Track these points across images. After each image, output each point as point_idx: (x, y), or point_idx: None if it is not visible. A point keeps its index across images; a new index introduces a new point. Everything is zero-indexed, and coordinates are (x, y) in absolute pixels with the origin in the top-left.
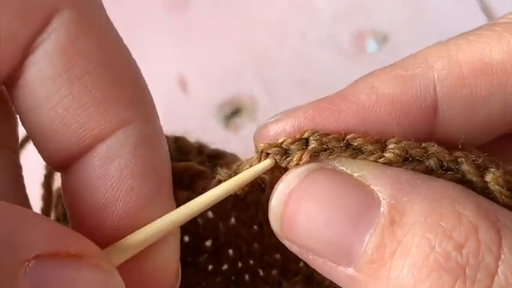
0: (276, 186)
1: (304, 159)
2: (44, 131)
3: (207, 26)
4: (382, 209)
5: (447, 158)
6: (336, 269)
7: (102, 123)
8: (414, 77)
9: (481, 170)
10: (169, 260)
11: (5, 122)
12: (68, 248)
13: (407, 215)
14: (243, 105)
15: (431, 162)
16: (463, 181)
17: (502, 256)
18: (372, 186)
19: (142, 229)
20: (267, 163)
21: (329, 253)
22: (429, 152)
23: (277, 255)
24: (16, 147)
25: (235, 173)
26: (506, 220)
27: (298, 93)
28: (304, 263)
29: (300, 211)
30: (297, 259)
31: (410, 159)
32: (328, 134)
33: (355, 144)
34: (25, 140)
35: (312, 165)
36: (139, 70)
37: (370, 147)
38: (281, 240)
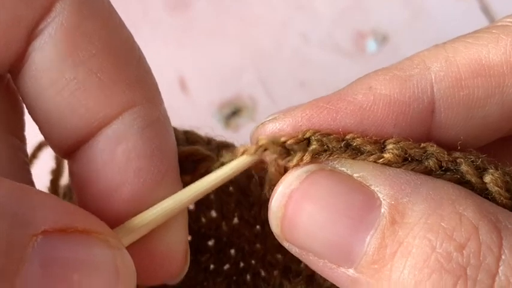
0: (275, 187)
1: (305, 161)
2: (51, 116)
3: (207, 26)
4: (382, 210)
5: (446, 159)
6: (337, 270)
7: (108, 106)
8: (411, 78)
9: (480, 171)
10: (178, 241)
11: (12, 110)
12: (75, 224)
13: (408, 216)
14: (243, 105)
15: (430, 163)
16: (462, 182)
17: (503, 256)
18: (372, 187)
19: (149, 209)
20: (268, 152)
21: (330, 254)
22: (428, 152)
23: (279, 256)
24: (23, 135)
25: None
26: (507, 221)
27: (298, 93)
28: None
29: (300, 212)
30: (299, 260)
31: (409, 159)
32: (328, 134)
33: (355, 144)
34: (38, 149)
35: (312, 166)
36: (142, 54)
37: (369, 148)
38: (281, 242)
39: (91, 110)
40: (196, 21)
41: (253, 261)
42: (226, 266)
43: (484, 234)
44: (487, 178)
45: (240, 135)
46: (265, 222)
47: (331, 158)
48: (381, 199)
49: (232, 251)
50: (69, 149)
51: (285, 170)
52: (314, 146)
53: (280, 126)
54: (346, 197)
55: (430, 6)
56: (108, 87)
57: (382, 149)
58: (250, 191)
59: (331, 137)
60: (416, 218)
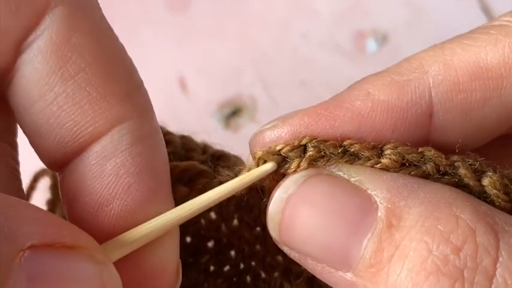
0: (273, 192)
1: (302, 167)
2: (39, 130)
3: (207, 26)
4: (379, 214)
5: (444, 163)
6: (335, 274)
7: (97, 121)
8: (409, 83)
9: (478, 174)
10: (168, 259)
11: (3, 117)
12: (63, 239)
13: (405, 219)
14: (243, 105)
15: (428, 167)
16: (460, 185)
17: (500, 258)
18: (369, 191)
19: (139, 226)
20: (268, 167)
21: (327, 258)
22: (426, 157)
23: (280, 258)
24: (14, 142)
25: (236, 176)
26: (504, 223)
27: (298, 93)
28: None
29: (298, 217)
30: None
31: (407, 164)
32: (325, 141)
33: (352, 150)
34: (35, 180)
35: (309, 171)
36: (134, 66)
37: (366, 153)
38: (279, 246)
39: (80, 125)
40: (196, 21)
41: (253, 263)
42: (227, 268)
43: (481, 237)
44: (485, 181)
45: (240, 135)
46: (265, 224)
47: (328, 163)
48: (378, 203)
49: (232, 253)
50: (59, 163)
51: (283, 176)
52: (311, 152)
53: (278, 134)
54: (343, 201)
55: (430, 6)
56: (98, 101)
57: (380, 155)
58: (249, 194)
59: (328, 143)
60: (413, 221)
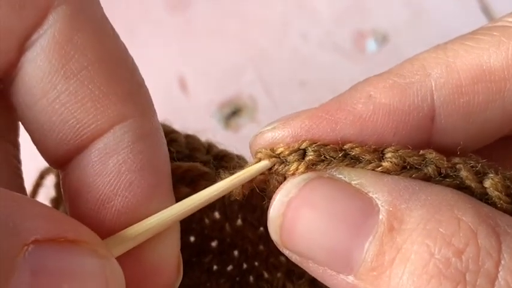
0: (274, 195)
1: (300, 170)
2: (42, 127)
3: (207, 26)
4: (380, 217)
5: (445, 165)
6: (337, 277)
7: (99, 119)
8: (411, 86)
9: (480, 176)
10: (169, 255)
11: (5, 116)
12: (66, 234)
13: (406, 222)
14: (243, 105)
15: (430, 169)
16: (462, 187)
17: (502, 261)
18: (370, 194)
19: (141, 222)
20: (263, 164)
21: (329, 261)
22: (427, 159)
23: (283, 258)
24: (16, 141)
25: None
26: (506, 225)
27: (298, 93)
28: None
29: (299, 220)
30: None
31: (408, 167)
32: (326, 145)
33: (353, 153)
34: (45, 172)
35: (310, 174)
36: (136, 65)
37: (368, 157)
38: (280, 249)
39: (82, 122)
40: (196, 21)
41: (256, 263)
42: (230, 267)
43: (483, 239)
44: (487, 183)
45: (240, 135)
46: None
47: (328, 167)
48: (379, 206)
49: (236, 253)
50: (61, 160)
51: (284, 178)
52: (310, 156)
53: (279, 136)
54: (344, 204)
55: (430, 6)
56: (100, 100)
57: (381, 158)
58: (253, 195)
59: (328, 147)
60: (415, 224)
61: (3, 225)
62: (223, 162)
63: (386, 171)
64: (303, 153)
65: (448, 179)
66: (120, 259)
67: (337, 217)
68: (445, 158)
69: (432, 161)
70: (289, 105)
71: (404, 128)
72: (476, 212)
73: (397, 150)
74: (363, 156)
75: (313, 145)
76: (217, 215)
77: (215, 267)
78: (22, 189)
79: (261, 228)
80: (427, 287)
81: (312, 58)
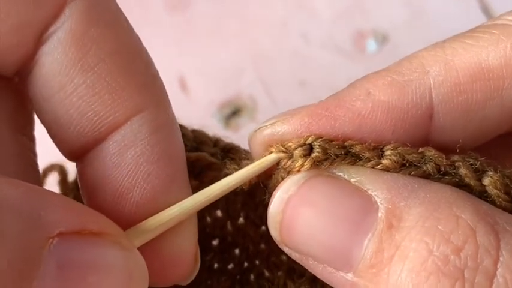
0: (274, 192)
1: (305, 167)
2: (59, 121)
3: (207, 26)
4: (379, 214)
5: (444, 163)
6: (336, 274)
7: (116, 111)
8: (410, 84)
9: (479, 174)
10: (187, 245)
11: (20, 110)
12: (89, 226)
13: (405, 220)
14: (243, 105)
15: (429, 167)
16: (461, 185)
17: (501, 258)
18: (370, 192)
19: (160, 213)
20: (275, 157)
21: (328, 259)
22: (426, 157)
23: (284, 257)
24: (32, 135)
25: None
26: (505, 223)
27: (298, 93)
28: None
29: (298, 217)
30: None
31: (407, 164)
32: (331, 140)
33: (353, 151)
34: (48, 169)
35: (310, 171)
36: (150, 58)
37: (367, 154)
38: (280, 246)
39: (100, 115)
40: (196, 21)
41: (257, 262)
42: (231, 266)
43: (482, 237)
44: (486, 181)
45: (240, 135)
46: None
47: (332, 165)
48: (378, 203)
49: (237, 251)
50: (78, 153)
51: (288, 174)
52: (317, 153)
53: (278, 133)
54: (344, 201)
55: (430, 6)
56: (117, 92)
57: (381, 156)
58: (256, 192)
59: (334, 143)
60: (413, 222)
61: (28, 219)
62: (230, 154)
63: (386, 169)
64: (309, 149)
65: (447, 177)
66: (140, 250)
67: (336, 214)
68: (444, 156)
69: (431, 159)
70: (289, 105)
71: (402, 126)
72: (475, 209)
73: (396, 148)
74: (363, 154)
75: (319, 140)
76: (219, 213)
77: (216, 265)
78: (38, 183)
79: (263, 227)
80: (426, 284)
81: (312, 58)
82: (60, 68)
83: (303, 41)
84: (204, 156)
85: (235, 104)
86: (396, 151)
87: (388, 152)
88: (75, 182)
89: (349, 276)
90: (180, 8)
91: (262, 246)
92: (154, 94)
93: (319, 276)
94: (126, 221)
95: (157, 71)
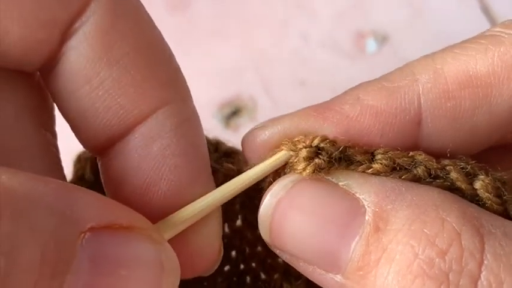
0: (263, 196)
1: (307, 172)
2: (84, 114)
3: (207, 26)
4: (367, 217)
5: (435, 166)
6: (326, 276)
7: (142, 104)
8: (399, 90)
9: (470, 178)
10: (213, 237)
11: (43, 106)
12: (120, 220)
13: (392, 223)
14: (243, 105)
15: (419, 171)
16: (453, 189)
17: (485, 262)
18: (357, 195)
19: (189, 206)
20: (288, 154)
21: (317, 261)
22: (416, 161)
23: (280, 259)
24: (54, 131)
25: (239, 171)
26: (490, 225)
27: (298, 93)
28: None
29: (287, 220)
30: None
31: (398, 168)
32: (335, 141)
33: (346, 153)
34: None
35: (298, 175)
36: (172, 52)
37: (359, 158)
38: (271, 248)
39: (125, 108)
40: (196, 21)
41: (253, 264)
42: (227, 268)
43: (467, 240)
44: (477, 184)
45: (240, 135)
46: None
47: (330, 171)
48: (366, 206)
49: (233, 253)
50: (102, 146)
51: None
52: (320, 160)
53: (269, 134)
54: (332, 204)
55: (430, 6)
56: (142, 85)
57: (371, 160)
58: (254, 194)
59: (335, 146)
60: (400, 225)
61: (60, 215)
62: (231, 159)
63: (377, 173)
64: (315, 152)
65: (438, 180)
66: (169, 243)
67: (324, 217)
68: (434, 160)
69: (421, 162)
70: (289, 105)
71: (391, 130)
72: (461, 212)
73: (387, 152)
74: (355, 157)
75: (326, 141)
76: None
77: None
78: (63, 179)
79: None
80: (411, 286)
81: (312, 58)
82: (86, 62)
83: (303, 41)
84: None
85: (235, 104)
86: (387, 155)
87: (378, 156)
88: (89, 157)
89: (338, 278)
90: (180, 8)
91: (259, 248)
92: (178, 87)
93: (309, 278)
94: (153, 214)
95: (179, 65)
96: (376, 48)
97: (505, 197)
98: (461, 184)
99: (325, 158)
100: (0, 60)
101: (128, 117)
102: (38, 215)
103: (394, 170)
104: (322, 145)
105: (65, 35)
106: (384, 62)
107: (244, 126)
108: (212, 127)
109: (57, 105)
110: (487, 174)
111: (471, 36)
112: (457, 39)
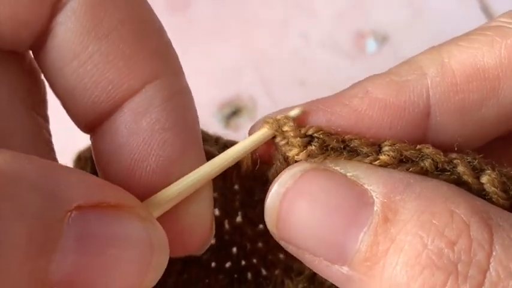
0: (270, 186)
1: (299, 157)
2: (74, 90)
3: (207, 26)
4: (375, 208)
5: (442, 159)
6: (331, 267)
7: (131, 78)
8: (408, 83)
9: (477, 172)
10: (204, 214)
11: (35, 89)
12: (108, 199)
13: (400, 213)
14: (243, 105)
15: (426, 164)
16: (459, 182)
17: (494, 253)
18: (366, 186)
19: (177, 182)
20: (268, 133)
21: (324, 252)
22: (424, 154)
23: (281, 255)
24: (46, 115)
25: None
26: (499, 218)
27: (298, 93)
28: None
29: (295, 211)
30: None
31: (405, 160)
32: (331, 133)
33: (352, 145)
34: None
35: (306, 165)
36: (162, 27)
37: (365, 149)
38: (277, 240)
39: (114, 83)
40: (196, 21)
41: (254, 260)
42: (228, 264)
43: (475, 231)
44: (484, 179)
45: (240, 135)
46: None
47: (327, 159)
48: (374, 197)
49: (234, 249)
50: (92, 123)
51: (286, 162)
52: (314, 147)
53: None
54: (340, 195)
55: (430, 6)
56: (131, 59)
57: (378, 151)
58: (254, 190)
59: (333, 137)
60: (409, 216)
61: (46, 193)
62: None
63: (384, 164)
64: (308, 141)
65: (445, 174)
66: (158, 220)
67: (332, 208)
68: (441, 153)
69: (429, 156)
70: (289, 105)
71: (399, 123)
72: (470, 204)
73: (394, 144)
74: (361, 149)
75: (320, 132)
76: (216, 211)
77: (213, 264)
78: (55, 161)
79: (261, 225)
80: (420, 277)
81: (312, 58)
82: (74, 36)
83: (303, 41)
84: (207, 149)
85: (235, 104)
86: (394, 147)
87: (386, 148)
88: (90, 157)
89: (345, 269)
90: (180, 8)
91: (260, 244)
92: (168, 61)
93: (315, 270)
94: (143, 191)
95: (170, 40)
96: (376, 48)
97: (511, 192)
98: (468, 178)
99: (317, 147)
100: None
101: (117, 92)
102: (22, 193)
103: (401, 162)
104: (316, 135)
105: (54, 9)
106: (383, 62)
107: (244, 126)
108: (212, 127)
109: (49, 84)
110: (493, 169)
111: None
112: None
